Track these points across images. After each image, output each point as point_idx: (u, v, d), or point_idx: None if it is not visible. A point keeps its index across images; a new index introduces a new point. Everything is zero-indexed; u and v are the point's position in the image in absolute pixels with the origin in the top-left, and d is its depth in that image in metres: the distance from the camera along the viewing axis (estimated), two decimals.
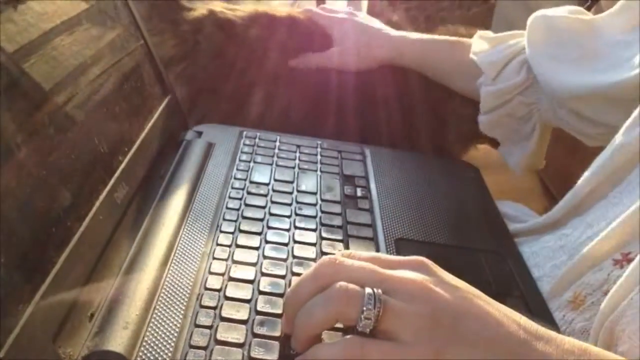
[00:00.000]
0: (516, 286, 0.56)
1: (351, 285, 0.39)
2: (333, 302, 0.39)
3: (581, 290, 0.52)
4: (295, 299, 0.42)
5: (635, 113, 0.55)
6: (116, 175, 0.53)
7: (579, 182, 0.60)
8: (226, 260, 0.51)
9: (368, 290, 0.38)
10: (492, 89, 0.75)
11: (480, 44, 0.78)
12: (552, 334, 0.39)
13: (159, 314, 0.45)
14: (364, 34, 0.86)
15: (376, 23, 0.89)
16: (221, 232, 0.55)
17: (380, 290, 0.39)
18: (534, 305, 0.54)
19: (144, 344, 0.42)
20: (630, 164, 0.55)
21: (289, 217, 0.58)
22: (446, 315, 0.38)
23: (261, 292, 0.48)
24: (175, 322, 0.44)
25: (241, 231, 0.55)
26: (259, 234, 0.55)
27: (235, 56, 0.82)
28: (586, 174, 0.59)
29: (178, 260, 0.50)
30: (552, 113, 0.72)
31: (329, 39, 0.86)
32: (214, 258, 0.51)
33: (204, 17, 0.82)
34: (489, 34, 0.79)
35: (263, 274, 0.50)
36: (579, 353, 0.38)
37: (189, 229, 0.54)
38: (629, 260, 0.48)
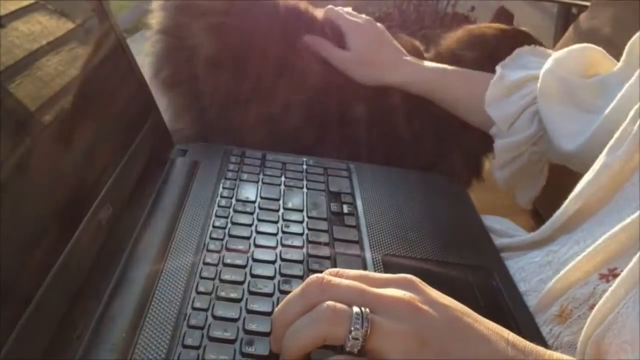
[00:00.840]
0: (503, 301, 0.56)
1: (339, 305, 0.39)
2: (321, 322, 0.39)
3: (567, 304, 0.52)
4: (283, 318, 0.42)
5: (617, 134, 0.56)
6: (100, 196, 0.52)
7: (567, 201, 0.60)
8: (213, 279, 0.51)
9: (356, 309, 0.38)
10: (506, 142, 0.75)
11: (494, 88, 0.76)
12: (541, 349, 0.40)
13: (146, 334, 0.44)
14: (381, 51, 0.83)
15: (392, 41, 0.86)
16: (208, 250, 0.54)
17: (368, 310, 0.39)
18: (522, 319, 0.54)
19: None
20: (615, 183, 0.55)
21: (275, 234, 0.58)
22: (434, 335, 0.38)
23: (249, 311, 0.48)
24: (162, 343, 0.44)
25: (228, 249, 0.55)
26: (246, 252, 0.55)
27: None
28: (573, 193, 0.60)
29: (165, 279, 0.50)
30: (558, 157, 0.74)
31: (343, 40, 0.82)
32: (201, 277, 0.51)
33: None
34: (504, 76, 0.76)
35: (251, 292, 0.50)
36: None
37: (175, 248, 0.54)
38: (615, 275, 0.48)
